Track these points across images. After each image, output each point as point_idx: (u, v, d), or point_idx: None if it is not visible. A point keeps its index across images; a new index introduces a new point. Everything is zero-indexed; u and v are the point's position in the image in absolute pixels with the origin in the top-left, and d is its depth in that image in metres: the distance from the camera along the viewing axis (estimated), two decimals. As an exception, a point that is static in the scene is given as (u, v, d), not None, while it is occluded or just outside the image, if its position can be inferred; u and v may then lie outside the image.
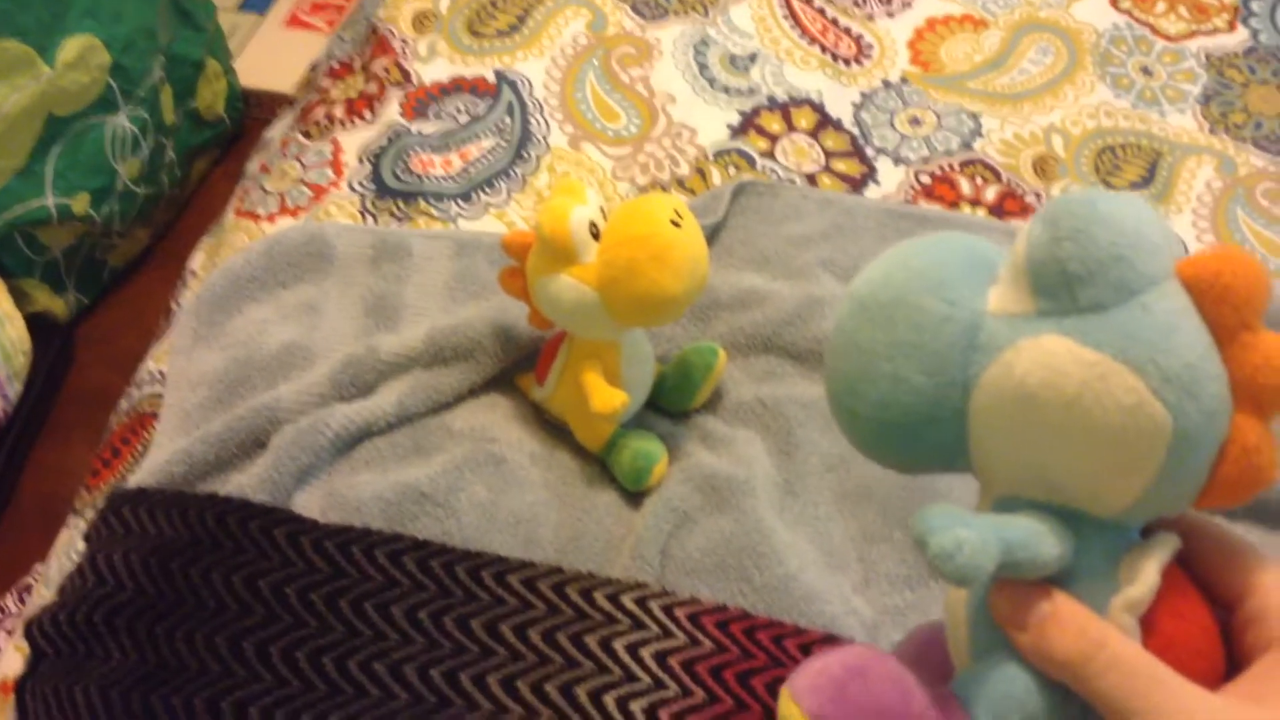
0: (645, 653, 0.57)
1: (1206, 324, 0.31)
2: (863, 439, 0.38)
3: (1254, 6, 1.05)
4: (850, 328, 0.37)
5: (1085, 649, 0.33)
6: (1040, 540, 0.34)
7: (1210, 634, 0.34)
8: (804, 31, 1.02)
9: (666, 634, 0.58)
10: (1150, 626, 0.33)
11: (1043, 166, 0.90)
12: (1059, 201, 0.33)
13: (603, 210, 0.62)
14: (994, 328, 0.34)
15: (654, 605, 0.59)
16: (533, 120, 0.92)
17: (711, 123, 0.93)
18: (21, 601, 1.02)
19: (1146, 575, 0.33)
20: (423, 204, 0.84)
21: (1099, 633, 0.33)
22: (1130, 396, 0.31)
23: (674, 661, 0.57)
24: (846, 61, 1.00)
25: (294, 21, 1.74)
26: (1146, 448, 0.31)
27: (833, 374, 0.38)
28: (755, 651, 0.57)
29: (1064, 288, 0.32)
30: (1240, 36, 1.03)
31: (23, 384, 1.20)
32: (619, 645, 0.57)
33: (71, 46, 1.17)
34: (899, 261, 0.37)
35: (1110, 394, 0.31)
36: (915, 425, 0.36)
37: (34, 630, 0.62)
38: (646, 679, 0.56)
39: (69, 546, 0.72)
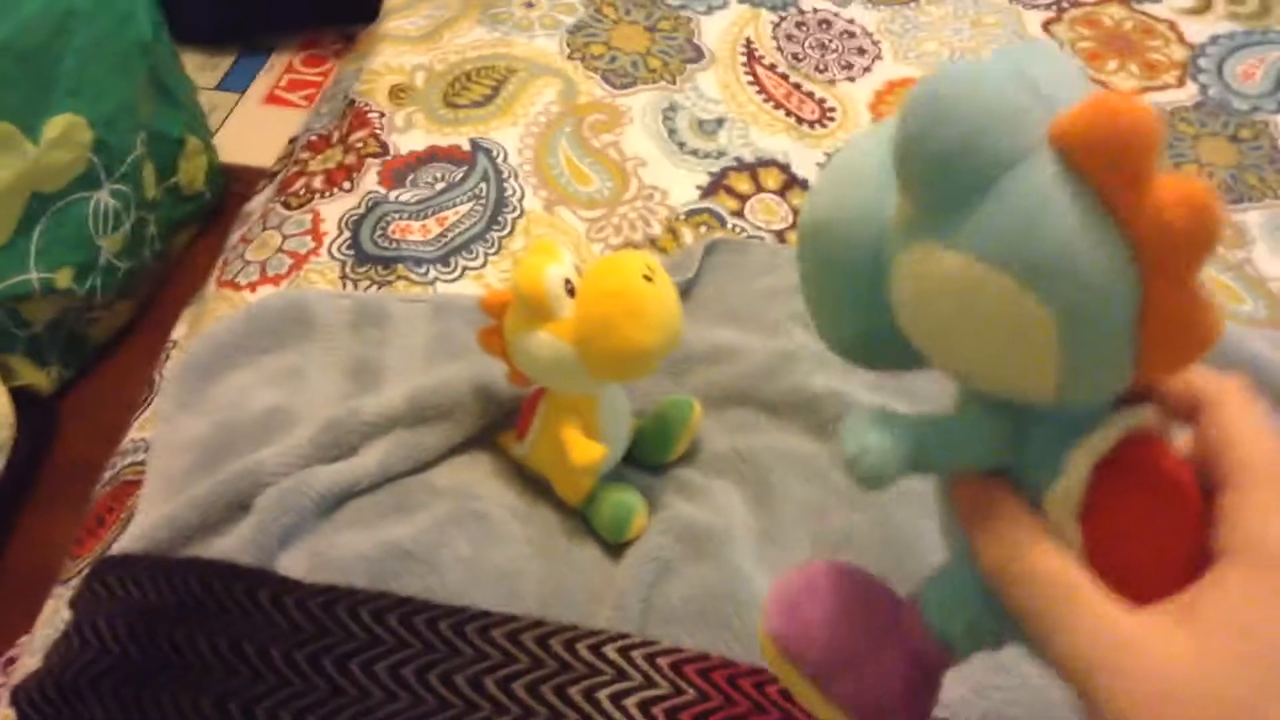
0: (629, 702, 0.58)
1: (1087, 188, 0.27)
2: (841, 356, 0.38)
3: (1201, 63, 1.10)
4: (799, 260, 0.37)
5: (1001, 556, 0.31)
6: (960, 439, 0.32)
7: (1170, 527, 0.31)
8: (769, 96, 1.05)
9: (650, 683, 0.59)
10: (1091, 521, 0.31)
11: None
12: (910, 93, 0.29)
13: (577, 268, 0.64)
14: (891, 236, 0.32)
15: (637, 655, 0.60)
16: (508, 186, 0.94)
17: (681, 184, 0.95)
18: (6, 673, 1.01)
19: (1074, 468, 0.31)
20: (401, 269, 0.86)
21: (1018, 538, 0.31)
22: (1000, 297, 0.28)
23: (658, 711, 0.58)
24: (811, 124, 1.03)
25: (272, 99, 1.78)
26: (1034, 339, 0.29)
27: (804, 304, 0.38)
28: (738, 699, 0.58)
29: (923, 190, 0.30)
30: (1189, 91, 1.07)
31: (6, 457, 1.21)
32: (603, 695, 0.58)
33: (56, 125, 1.19)
34: (824, 179, 0.36)
35: (979, 295, 0.29)
36: (864, 339, 0.36)
37: (20, 697, 0.62)
38: (630, 727, 0.57)
39: (54, 616, 0.72)
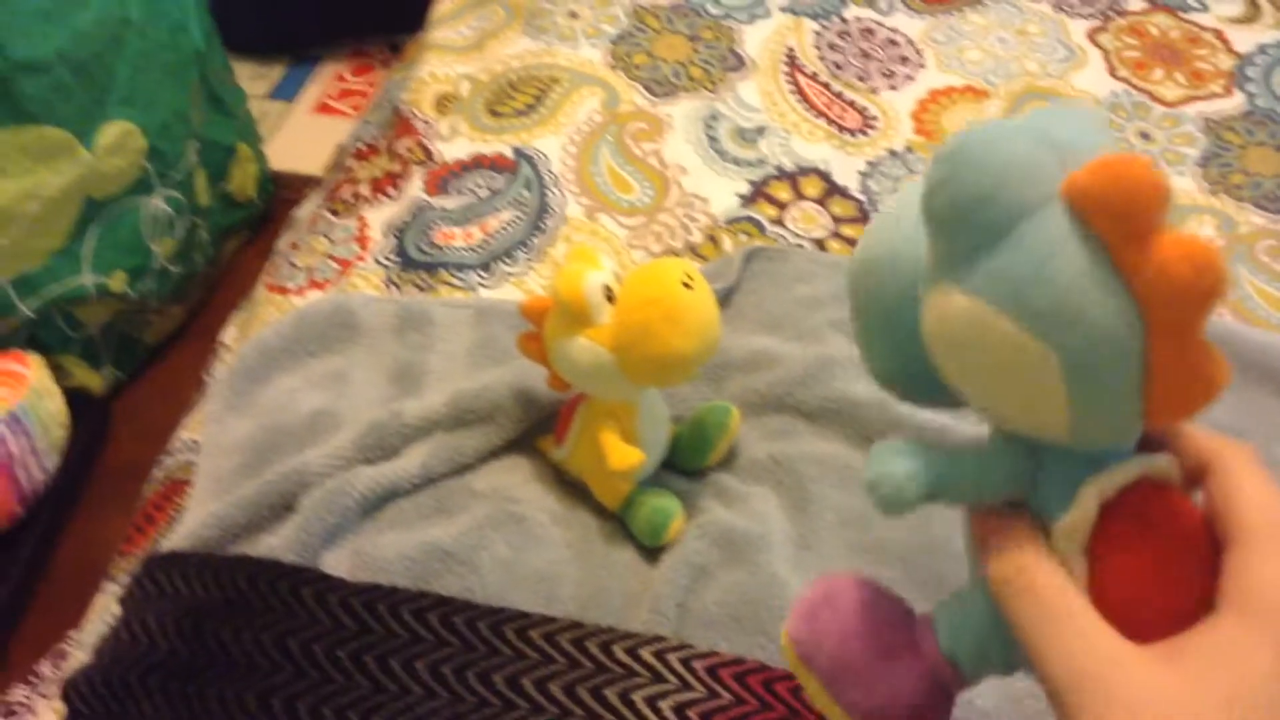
0: (665, 705, 0.58)
1: (1095, 241, 0.29)
2: (886, 389, 0.40)
3: (1249, 73, 1.08)
4: (850, 296, 0.39)
5: (1006, 572, 0.32)
6: (977, 472, 0.34)
7: (1176, 568, 0.32)
8: (810, 105, 1.06)
9: (685, 686, 0.59)
10: (1093, 558, 0.32)
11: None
12: (941, 147, 0.32)
13: (617, 275, 0.65)
14: (922, 279, 0.34)
15: (672, 658, 0.60)
16: (550, 193, 0.95)
17: (722, 192, 0.96)
18: (56, 667, 1.03)
19: (1081, 503, 0.32)
20: (445, 275, 0.88)
21: (1024, 558, 0.32)
22: (1007, 340, 0.30)
23: (693, 714, 0.58)
24: (852, 132, 1.03)
25: (321, 108, 1.81)
26: (1041, 381, 0.30)
27: (855, 339, 0.41)
28: (774, 703, 0.58)
29: (943, 238, 0.32)
30: (1237, 101, 1.05)
31: (61, 457, 1.24)
32: (638, 698, 0.59)
33: (110, 132, 1.22)
34: (875, 222, 0.39)
35: (987, 337, 0.31)
36: (903, 374, 0.38)
37: (70, 691, 0.63)
38: (665, 729, 0.57)
39: (104, 612, 0.74)
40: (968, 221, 0.30)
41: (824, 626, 0.40)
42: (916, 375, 0.37)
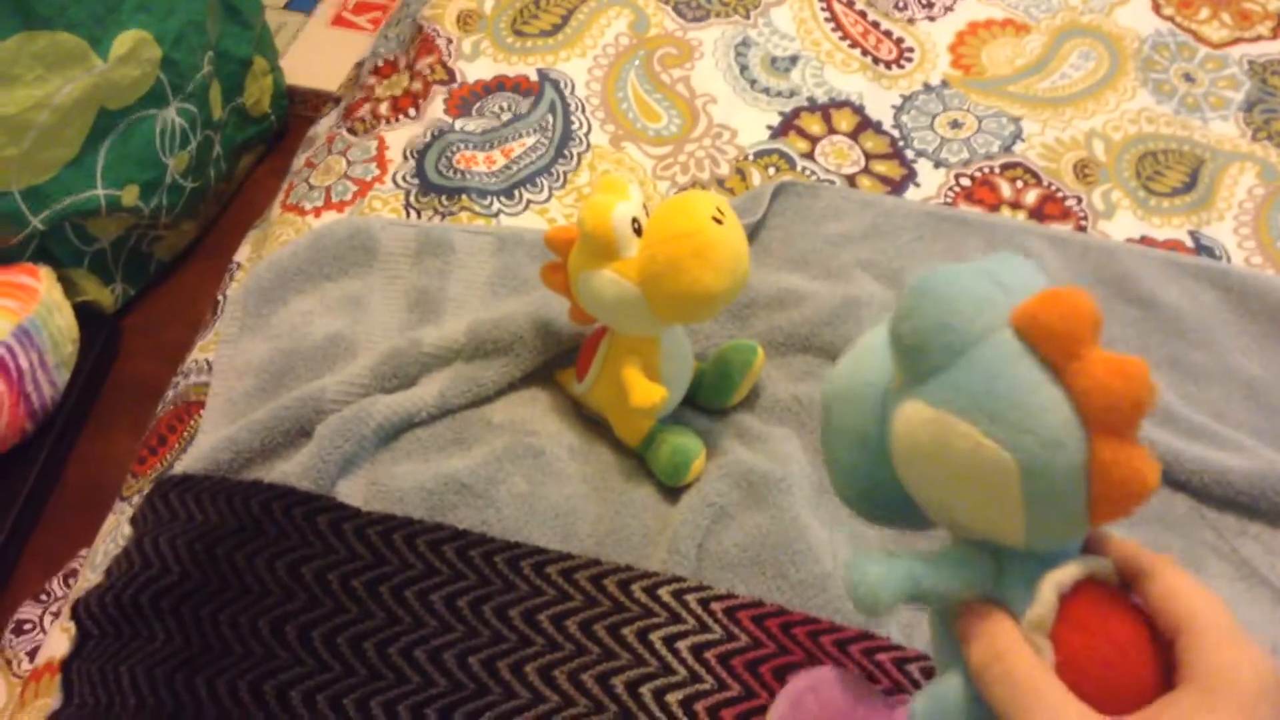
0: (682, 646, 0.58)
1: (1041, 362, 0.34)
2: (854, 512, 0.45)
3: (1302, 13, 1.05)
4: (821, 422, 0.44)
5: (986, 659, 0.36)
6: (947, 574, 0.38)
7: (1128, 649, 0.36)
8: (845, 34, 1.02)
9: (703, 628, 0.59)
10: (1057, 642, 0.36)
11: (1084, 170, 0.90)
12: (908, 285, 0.37)
13: (645, 207, 0.63)
14: (889, 401, 0.39)
15: (691, 599, 0.60)
16: (574, 119, 0.93)
17: (751, 123, 0.93)
18: (67, 586, 1.04)
19: (1042, 595, 0.36)
20: (465, 200, 0.85)
21: (1001, 645, 0.36)
22: (967, 442, 0.35)
23: (710, 655, 0.57)
24: (887, 64, 1.00)
25: (338, 20, 1.76)
26: (1001, 484, 0.34)
27: (824, 464, 0.45)
28: (791, 647, 0.58)
29: (908, 360, 0.37)
30: (1287, 43, 1.02)
31: (70, 372, 1.23)
32: (656, 638, 0.58)
33: (124, 40, 1.19)
34: (845, 358, 0.43)
35: (952, 443, 0.35)
36: (872, 495, 0.43)
37: (81, 611, 0.63)
38: (683, 672, 0.57)
39: (114, 531, 0.73)
40: (931, 345, 0.36)
41: (808, 712, 0.45)
42: (883, 494, 0.42)
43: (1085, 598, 0.37)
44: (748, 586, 0.62)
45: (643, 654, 0.57)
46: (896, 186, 0.89)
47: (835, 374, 0.43)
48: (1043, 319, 0.34)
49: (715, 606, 0.59)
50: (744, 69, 0.98)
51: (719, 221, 0.60)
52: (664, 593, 0.60)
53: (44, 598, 1.03)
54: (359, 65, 1.11)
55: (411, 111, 0.95)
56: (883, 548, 0.39)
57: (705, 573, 0.62)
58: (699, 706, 0.55)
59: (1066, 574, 0.36)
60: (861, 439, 0.41)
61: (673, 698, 0.56)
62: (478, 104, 0.94)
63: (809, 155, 0.91)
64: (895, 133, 0.93)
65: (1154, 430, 0.70)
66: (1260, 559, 0.66)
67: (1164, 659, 0.36)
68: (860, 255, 0.81)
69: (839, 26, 1.03)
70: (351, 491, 0.67)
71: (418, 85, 0.97)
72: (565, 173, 0.89)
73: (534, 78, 0.96)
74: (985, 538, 0.38)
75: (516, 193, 0.87)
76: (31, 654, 0.98)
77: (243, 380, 0.75)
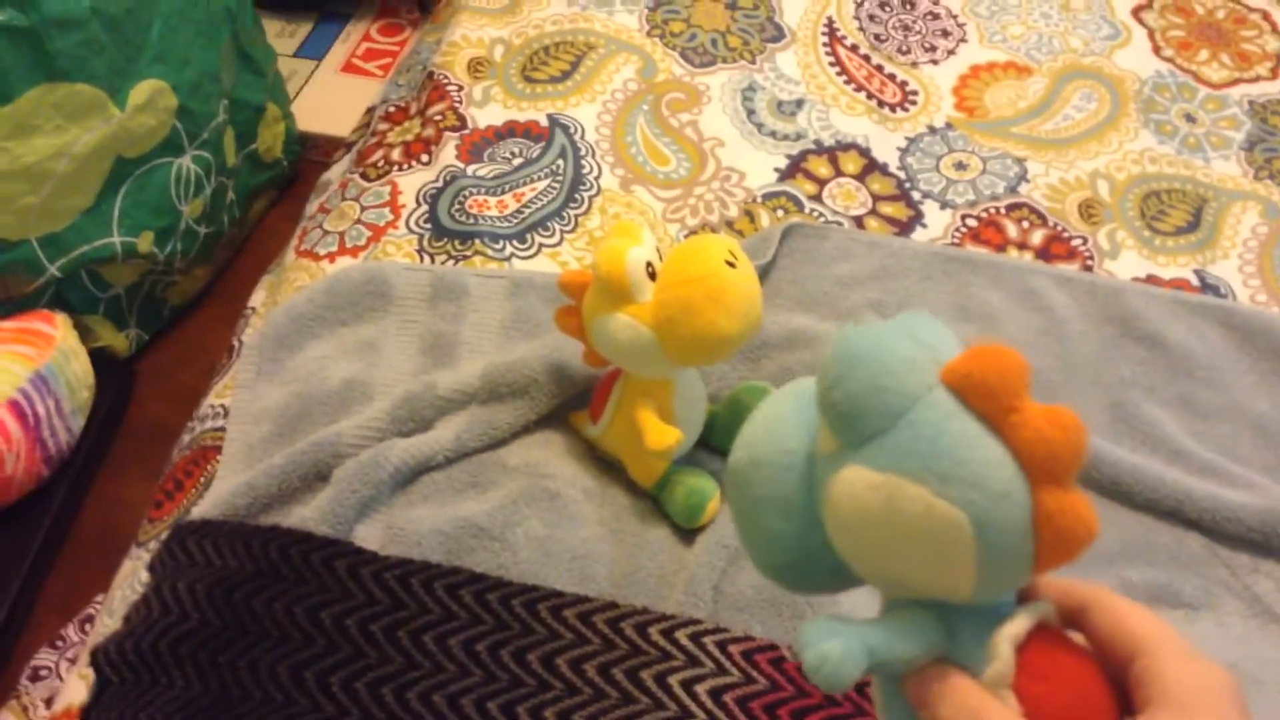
0: (701, 689, 0.58)
1: (978, 417, 0.34)
2: (776, 582, 0.44)
3: (1301, 52, 1.06)
4: (731, 496, 0.43)
5: (960, 717, 0.36)
6: (903, 639, 0.37)
7: (1085, 688, 0.36)
8: (850, 78, 1.04)
9: (721, 670, 0.59)
10: (1020, 692, 0.36)
11: (1089, 211, 0.91)
12: (830, 350, 0.37)
13: (658, 251, 0.64)
14: (820, 467, 0.38)
15: (708, 641, 0.60)
16: (585, 163, 0.94)
17: (759, 166, 0.95)
18: (83, 632, 1.04)
19: (1000, 652, 0.36)
20: (478, 244, 0.87)
21: (973, 703, 0.36)
22: (919, 504, 0.34)
23: (729, 699, 0.57)
24: (892, 107, 1.01)
25: (348, 67, 1.79)
26: (953, 542, 0.34)
27: (738, 534, 0.44)
28: (810, 690, 0.58)
29: (845, 426, 0.36)
30: (1287, 82, 1.03)
31: (85, 417, 1.23)
32: (674, 681, 0.58)
33: (141, 90, 1.20)
34: (753, 421, 0.43)
35: (903, 507, 0.35)
36: (799, 564, 0.41)
37: (100, 657, 0.63)
38: (703, 716, 0.57)
39: (132, 577, 0.74)
40: (867, 409, 0.35)
41: None
42: (809, 565, 0.41)
43: (1036, 646, 0.37)
44: (764, 628, 0.62)
45: (662, 698, 0.58)
46: (904, 228, 0.90)
47: (745, 443, 0.42)
48: (977, 376, 0.34)
49: (733, 649, 0.60)
50: (751, 113, 0.99)
51: (732, 265, 0.61)
52: (681, 635, 0.60)
53: (60, 644, 1.03)
54: (370, 111, 1.13)
55: (424, 157, 0.96)
56: (828, 616, 0.37)
57: (721, 615, 0.63)
58: (718, 749, 0.56)
59: (1019, 626, 0.37)
60: (786, 508, 0.40)
61: (691, 741, 0.56)
62: (489, 149, 0.96)
63: (816, 197, 0.92)
64: (901, 174, 0.94)
65: (1165, 469, 0.71)
66: (1273, 596, 0.66)
67: (1115, 689, 0.37)
68: (869, 295, 0.82)
69: (844, 70, 1.04)
70: (369, 535, 0.67)
71: (430, 131, 0.99)
72: (576, 216, 0.90)
73: (544, 123, 0.98)
74: (929, 596, 0.37)
75: (529, 236, 0.88)
76: (48, 701, 0.98)
77: (260, 426, 0.75)
